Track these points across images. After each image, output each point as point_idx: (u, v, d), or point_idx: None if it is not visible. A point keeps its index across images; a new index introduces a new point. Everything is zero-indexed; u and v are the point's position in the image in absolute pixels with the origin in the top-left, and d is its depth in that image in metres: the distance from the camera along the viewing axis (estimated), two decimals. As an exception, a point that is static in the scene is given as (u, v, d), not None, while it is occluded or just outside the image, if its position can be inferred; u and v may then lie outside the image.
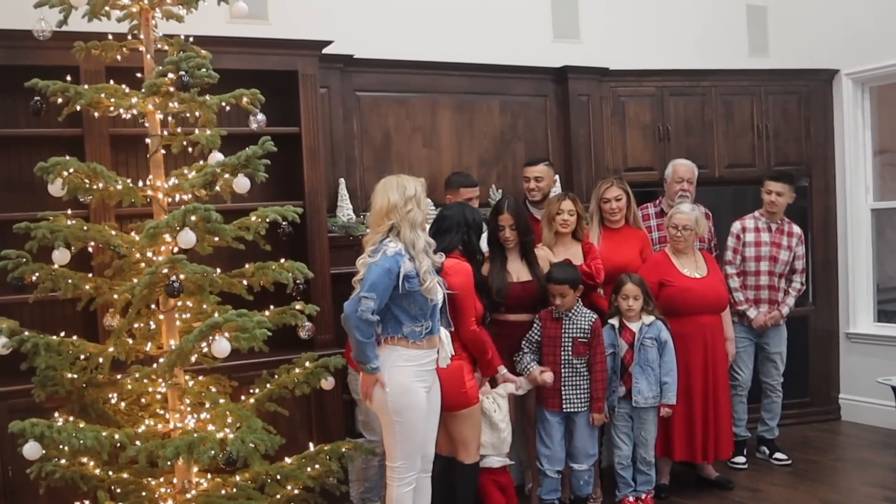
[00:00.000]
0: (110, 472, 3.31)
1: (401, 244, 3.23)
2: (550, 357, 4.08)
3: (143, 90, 3.21)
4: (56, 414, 3.17)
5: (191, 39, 3.45)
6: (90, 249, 3.36)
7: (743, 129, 5.82)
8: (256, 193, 3.97)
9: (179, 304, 3.30)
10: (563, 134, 5.47)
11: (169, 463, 2.97)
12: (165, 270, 3.03)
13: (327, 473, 3.57)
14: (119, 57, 3.44)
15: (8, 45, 3.77)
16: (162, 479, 3.37)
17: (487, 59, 5.26)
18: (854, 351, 5.90)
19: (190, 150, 3.38)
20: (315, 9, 4.96)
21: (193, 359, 3.18)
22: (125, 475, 3.34)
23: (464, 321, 3.61)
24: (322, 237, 4.46)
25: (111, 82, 3.36)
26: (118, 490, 3.32)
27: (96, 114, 3.42)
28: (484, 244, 4.01)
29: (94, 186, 3.22)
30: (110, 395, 3.36)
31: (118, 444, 3.04)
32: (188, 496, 3.26)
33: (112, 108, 3.30)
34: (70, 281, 3.26)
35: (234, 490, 3.39)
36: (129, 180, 3.29)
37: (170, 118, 3.38)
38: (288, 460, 3.53)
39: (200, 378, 3.50)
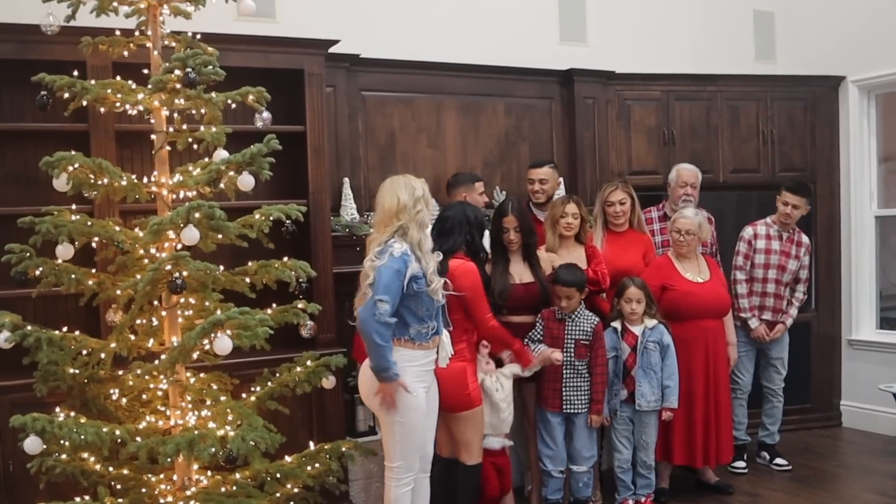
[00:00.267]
0: (111, 468, 3.31)
1: (406, 244, 3.22)
2: (553, 358, 4.09)
3: (149, 86, 3.21)
4: (57, 409, 3.17)
5: (198, 36, 3.45)
6: (94, 245, 3.35)
7: (748, 134, 5.82)
8: (260, 191, 3.97)
9: (182, 300, 3.29)
10: (568, 136, 5.46)
11: (169, 460, 2.96)
12: (169, 267, 3.02)
13: (327, 472, 3.57)
14: (126, 53, 3.44)
15: (16, 39, 3.78)
16: (162, 476, 3.37)
17: (493, 61, 5.26)
18: (856, 358, 5.89)
19: (195, 146, 3.37)
20: (322, 8, 4.97)
21: (195, 356, 3.18)
22: (125, 471, 3.34)
23: (481, 319, 3.65)
24: (325, 236, 4.46)
25: (118, 78, 3.36)
26: (118, 486, 3.32)
27: (102, 109, 3.42)
28: (486, 243, 4.01)
29: (99, 182, 3.21)
30: (112, 391, 3.35)
31: (119, 440, 3.03)
32: (188, 493, 3.26)
33: (118, 104, 3.30)
34: (73, 276, 3.26)
35: (234, 488, 3.39)
36: (133, 176, 3.29)
37: (175, 115, 3.38)
38: (288, 459, 3.53)
39: (202, 375, 3.49)
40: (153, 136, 3.36)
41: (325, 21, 4.89)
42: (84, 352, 3.25)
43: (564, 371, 4.06)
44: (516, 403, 4.14)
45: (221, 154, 3.37)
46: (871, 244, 5.91)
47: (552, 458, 4.13)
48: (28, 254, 3.21)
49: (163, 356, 3.20)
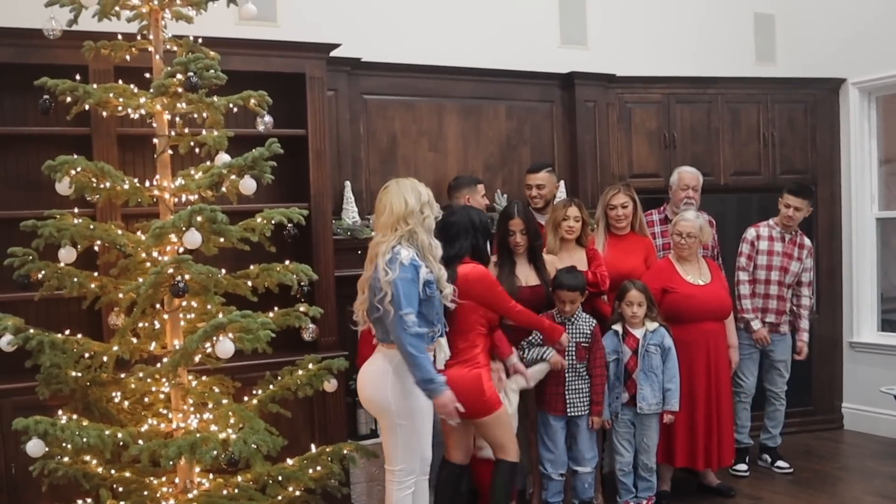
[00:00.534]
0: (113, 471, 3.32)
1: (412, 250, 3.21)
2: (554, 360, 4.09)
3: (151, 90, 3.22)
4: (60, 412, 3.18)
5: (200, 40, 3.46)
6: (96, 248, 3.36)
7: (749, 136, 5.82)
8: (262, 195, 3.96)
9: (184, 304, 3.30)
10: (569, 140, 5.47)
11: (171, 462, 2.97)
12: (171, 270, 3.04)
13: (329, 475, 3.58)
14: (128, 57, 3.45)
15: (18, 43, 3.79)
16: (164, 479, 3.38)
17: (494, 64, 5.26)
18: (857, 360, 5.89)
19: (197, 150, 3.39)
20: (323, 12, 4.97)
21: (197, 359, 3.19)
22: (127, 474, 3.35)
23: (506, 309, 3.71)
24: (327, 239, 4.46)
25: (120, 82, 3.37)
26: (120, 489, 3.33)
27: (104, 113, 3.43)
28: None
29: (101, 186, 3.23)
30: (114, 394, 3.37)
31: (121, 443, 3.04)
32: (190, 496, 3.27)
33: (120, 108, 3.31)
34: (76, 279, 3.27)
35: (236, 490, 3.40)
36: (135, 180, 3.30)
37: (177, 119, 3.39)
38: (290, 462, 3.54)
39: (204, 378, 3.50)
40: (155, 140, 3.37)
41: (327, 25, 4.89)
42: (86, 355, 3.26)
43: (567, 374, 4.07)
44: (518, 407, 4.14)
45: (223, 158, 3.37)
46: (872, 246, 5.91)
47: (553, 462, 4.14)
48: (31, 257, 3.22)
49: (165, 359, 3.21)
